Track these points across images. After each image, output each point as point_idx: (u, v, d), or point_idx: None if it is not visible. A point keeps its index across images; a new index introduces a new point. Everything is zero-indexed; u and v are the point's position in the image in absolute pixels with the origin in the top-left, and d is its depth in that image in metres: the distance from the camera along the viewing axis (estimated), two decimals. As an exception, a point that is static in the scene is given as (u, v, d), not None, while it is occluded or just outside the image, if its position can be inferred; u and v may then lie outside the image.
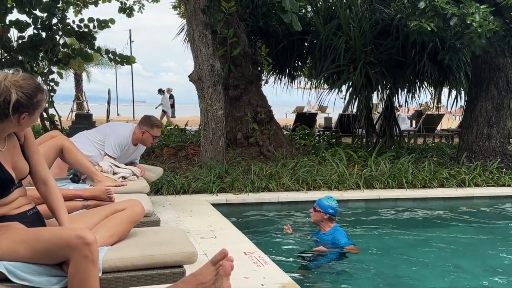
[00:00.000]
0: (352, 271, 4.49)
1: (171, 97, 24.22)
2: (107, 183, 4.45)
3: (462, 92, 10.91)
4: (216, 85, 7.87)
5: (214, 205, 6.26)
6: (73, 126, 8.84)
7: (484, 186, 7.80)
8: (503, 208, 7.10)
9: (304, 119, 14.25)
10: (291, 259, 4.66)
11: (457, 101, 11.34)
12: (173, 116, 23.82)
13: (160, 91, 23.57)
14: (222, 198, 6.61)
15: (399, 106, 14.18)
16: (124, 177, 4.74)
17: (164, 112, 22.51)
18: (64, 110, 27.45)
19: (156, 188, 6.77)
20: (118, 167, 4.81)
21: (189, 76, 8.05)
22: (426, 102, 20.93)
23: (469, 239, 5.69)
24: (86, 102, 27.50)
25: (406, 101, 12.02)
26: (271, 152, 9.10)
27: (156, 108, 24.10)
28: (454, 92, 11.52)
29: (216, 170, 7.32)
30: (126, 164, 5.30)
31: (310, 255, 4.73)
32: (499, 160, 8.59)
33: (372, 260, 4.79)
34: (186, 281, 2.18)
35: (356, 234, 5.59)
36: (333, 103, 12.04)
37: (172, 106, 24.16)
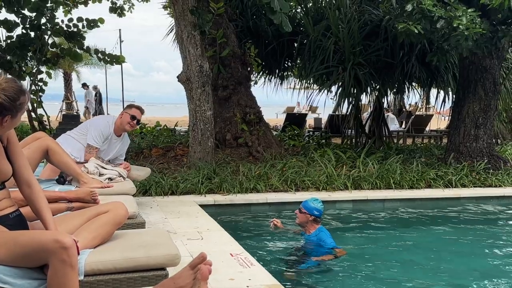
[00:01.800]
0: (339, 273, 4.51)
1: (98, 94, 23.64)
2: (93, 184, 4.43)
3: (450, 93, 10.96)
4: (205, 86, 7.87)
5: (202, 206, 6.26)
6: (61, 127, 8.81)
7: (471, 186, 7.86)
8: (489, 209, 7.16)
9: (294, 119, 14.29)
10: (277, 261, 4.68)
11: (445, 102, 11.41)
12: (101, 113, 23.16)
13: (84, 86, 23.14)
14: (210, 199, 6.61)
15: (388, 107, 14.29)
16: (110, 179, 4.72)
17: (86, 108, 21.79)
18: (53, 109, 27.35)
19: (144, 189, 6.76)
20: (105, 168, 4.79)
21: (177, 77, 8.05)
22: (416, 103, 21.14)
23: (456, 241, 5.73)
24: (76, 102, 27.35)
25: (395, 102, 12.10)
26: (260, 153, 9.11)
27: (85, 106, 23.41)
28: (442, 93, 11.58)
29: (204, 171, 7.32)
30: (112, 160, 5.34)
31: (296, 257, 4.75)
32: (486, 161, 8.66)
33: (359, 261, 4.80)
34: (165, 285, 2.18)
35: (344, 235, 5.61)
36: (324, 104, 12.09)
37: (99, 103, 23.55)
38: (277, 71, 12.93)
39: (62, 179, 4.54)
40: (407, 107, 20.44)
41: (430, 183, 7.79)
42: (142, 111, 5.38)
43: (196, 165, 7.67)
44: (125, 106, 5.51)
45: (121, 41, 27.38)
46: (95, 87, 23.73)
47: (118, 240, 2.73)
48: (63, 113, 27.31)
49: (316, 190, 7.28)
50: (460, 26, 7.28)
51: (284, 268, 4.51)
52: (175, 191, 6.83)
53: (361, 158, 8.54)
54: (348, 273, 4.51)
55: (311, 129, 15.43)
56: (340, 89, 10.18)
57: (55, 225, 2.59)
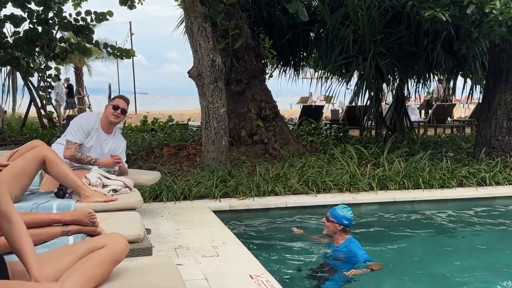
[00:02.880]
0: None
1: (69, 87, 23.04)
2: (95, 198, 3.99)
3: (477, 82, 10.35)
4: (218, 81, 7.37)
5: (216, 212, 5.80)
6: (64, 129, 8.36)
7: (506, 184, 7.29)
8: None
9: (310, 112, 13.74)
10: (301, 280, 4.18)
11: (472, 92, 10.78)
12: (72, 107, 22.68)
13: (66, 81, 22.62)
14: (225, 204, 6.13)
15: (409, 96, 13.67)
16: (115, 190, 4.25)
17: (56, 101, 21.14)
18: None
19: (155, 194, 6.31)
20: (108, 178, 4.33)
21: (188, 72, 7.56)
22: (433, 91, 20.44)
23: (497, 248, 5.21)
24: (87, 96, 27.04)
25: (416, 91, 11.50)
26: (277, 151, 8.61)
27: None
28: (469, 82, 10.97)
29: (219, 173, 6.84)
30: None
31: (322, 273, 4.25)
32: (520, 155, 8.08)
33: (390, 274, 4.30)
34: None
35: (373, 244, 5.09)
36: (343, 95, 11.55)
37: (71, 96, 22.93)
38: (292, 62, 12.40)
39: (61, 192, 4.08)
40: (426, 96, 19.77)
41: (462, 181, 7.24)
42: (126, 100, 4.99)
43: (210, 166, 7.19)
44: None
45: (131, 34, 27.03)
46: (67, 79, 23.26)
47: (116, 282, 2.26)
48: (75, 108, 27.06)
49: (339, 191, 6.77)
50: (494, 11, 6.70)
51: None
52: (187, 196, 6.36)
53: (385, 155, 8.02)
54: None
55: (328, 122, 14.87)
56: (360, 80, 9.62)
57: (39, 269, 2.12)
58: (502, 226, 5.98)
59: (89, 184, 4.17)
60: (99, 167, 4.67)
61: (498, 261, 4.77)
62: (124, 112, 4.90)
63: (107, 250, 2.29)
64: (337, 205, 4.66)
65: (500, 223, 6.09)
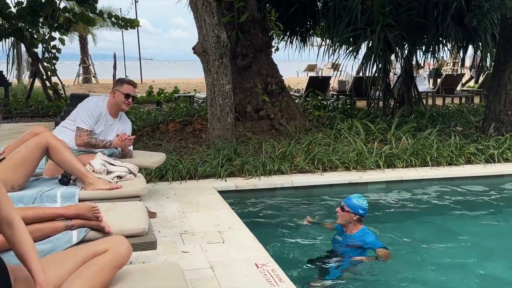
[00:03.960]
0: (379, 276, 4.01)
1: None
2: (100, 185, 3.97)
3: (488, 54, 10.12)
4: (223, 58, 7.24)
5: (222, 192, 5.78)
6: (68, 109, 8.25)
7: (515, 161, 7.21)
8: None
9: (317, 83, 13.58)
10: (308, 266, 4.16)
11: (482, 64, 10.56)
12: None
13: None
14: (231, 184, 6.10)
15: (418, 67, 13.44)
16: (119, 177, 4.22)
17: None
18: (71, 72, 26.94)
19: (161, 174, 6.28)
20: (113, 165, 4.29)
21: (193, 48, 7.42)
22: (442, 57, 20.11)
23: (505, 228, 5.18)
24: (93, 65, 26.89)
25: (425, 61, 11.30)
26: (283, 126, 8.54)
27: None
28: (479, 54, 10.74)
29: (224, 152, 6.80)
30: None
31: (330, 259, 4.23)
32: (530, 131, 7.96)
33: (399, 260, 4.27)
34: None
35: (381, 227, 5.04)
36: (350, 67, 11.32)
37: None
38: (299, 32, 12.17)
39: (65, 179, 4.06)
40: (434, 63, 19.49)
41: (470, 159, 7.16)
42: (134, 85, 4.99)
43: (216, 144, 7.14)
44: (116, 82, 5.12)
45: (136, 1, 26.64)
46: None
47: (119, 287, 2.24)
48: (81, 77, 26.96)
49: (346, 170, 6.71)
50: (506, -16, 6.50)
51: (317, 276, 4.01)
52: (193, 175, 6.33)
53: (392, 130, 7.92)
54: (388, 276, 4.01)
55: (335, 93, 14.71)
56: (369, 52, 9.42)
57: (44, 274, 2.09)
58: (509, 204, 5.93)
59: (93, 171, 4.14)
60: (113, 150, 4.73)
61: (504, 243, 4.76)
62: (133, 99, 4.91)
63: (109, 255, 2.26)
64: (351, 194, 4.50)
65: (508, 201, 6.05)
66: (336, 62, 11.22)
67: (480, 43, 10.05)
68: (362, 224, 4.31)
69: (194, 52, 7.41)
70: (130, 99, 4.85)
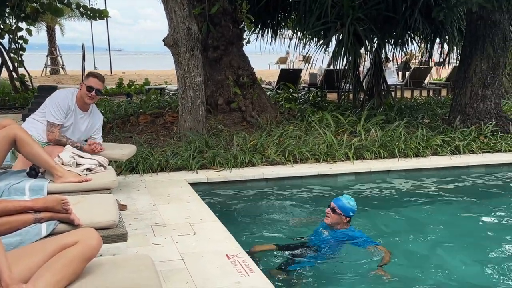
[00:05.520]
0: (342, 270, 4.07)
1: None
2: (69, 178, 3.94)
3: (455, 48, 10.35)
4: (194, 50, 7.22)
5: (193, 184, 5.80)
6: (36, 101, 8.10)
7: (480, 152, 7.39)
8: (501, 178, 6.73)
9: (288, 76, 13.65)
10: (280, 256, 4.20)
11: (449, 57, 10.79)
12: None
13: None
14: (203, 176, 6.11)
15: (387, 61, 13.62)
16: (89, 169, 4.20)
17: None
18: (38, 63, 26.38)
19: (131, 166, 6.26)
20: (82, 157, 4.26)
21: (163, 40, 7.38)
22: (411, 50, 20.44)
23: (469, 218, 5.33)
24: (61, 56, 26.40)
25: (394, 54, 11.50)
26: (254, 118, 8.57)
27: None
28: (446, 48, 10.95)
29: (196, 144, 6.80)
30: (86, 140, 4.99)
31: (300, 252, 4.28)
32: (493, 123, 8.17)
33: (365, 251, 4.36)
34: None
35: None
36: (321, 60, 11.44)
37: None
38: (270, 24, 12.20)
39: (33, 172, 4.02)
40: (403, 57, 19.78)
41: (437, 150, 7.32)
42: (100, 79, 4.91)
43: (187, 137, 7.14)
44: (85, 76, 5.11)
45: (105, -9, 26.17)
46: None
47: (88, 279, 2.24)
48: (48, 68, 26.45)
49: (316, 161, 6.80)
50: (472, -21, 6.64)
51: (282, 266, 4.04)
52: (164, 168, 6.33)
53: (362, 123, 8.04)
54: (352, 268, 4.09)
55: (306, 85, 14.81)
56: (339, 45, 9.52)
57: (9, 272, 2.08)
58: (472, 195, 6.10)
59: (62, 164, 4.11)
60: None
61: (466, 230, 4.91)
62: (99, 93, 4.85)
63: (79, 247, 2.26)
64: (341, 194, 4.51)
65: (471, 192, 6.22)
66: (307, 55, 11.33)
67: (447, 37, 10.25)
68: (349, 225, 4.37)
69: (164, 44, 7.37)
70: (94, 92, 4.76)
